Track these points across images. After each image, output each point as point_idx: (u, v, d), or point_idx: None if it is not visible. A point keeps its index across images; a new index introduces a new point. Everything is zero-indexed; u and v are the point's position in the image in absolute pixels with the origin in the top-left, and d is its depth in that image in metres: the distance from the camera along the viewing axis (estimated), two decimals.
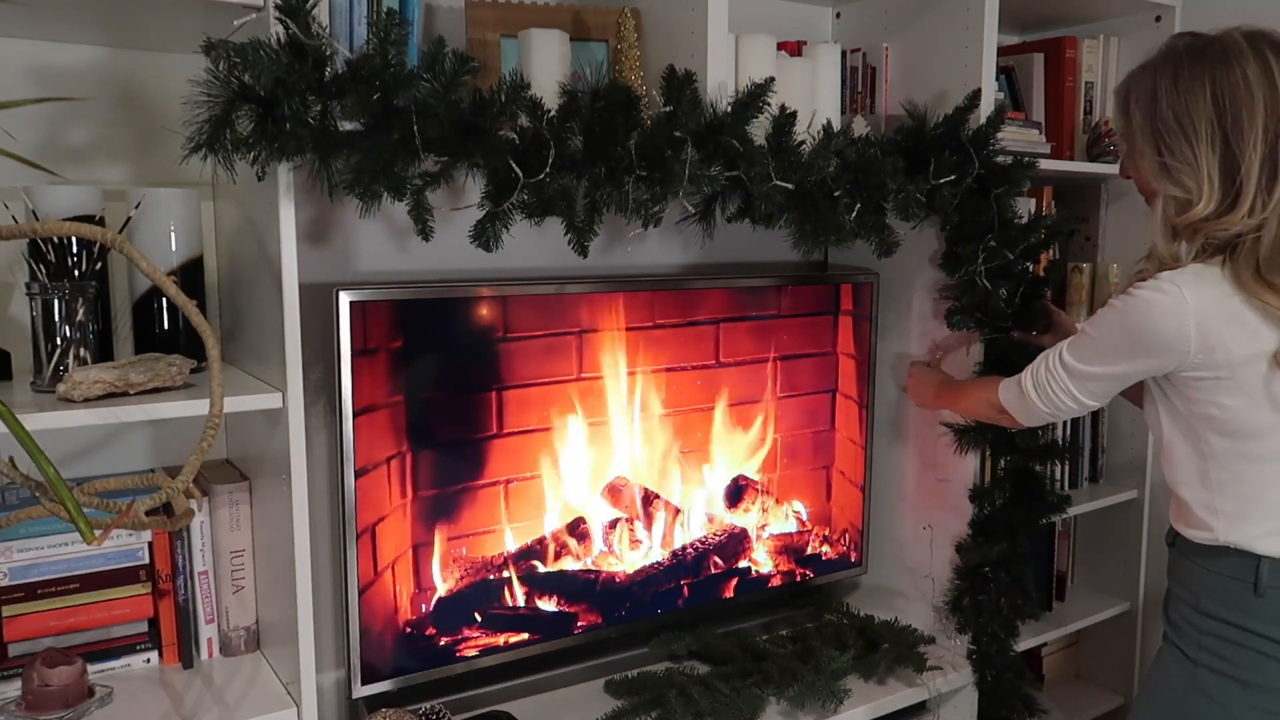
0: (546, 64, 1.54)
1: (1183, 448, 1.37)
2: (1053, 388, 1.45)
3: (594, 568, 1.91)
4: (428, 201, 1.37)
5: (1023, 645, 2.05)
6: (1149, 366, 1.34)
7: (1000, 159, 1.81)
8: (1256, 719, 1.31)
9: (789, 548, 2.13)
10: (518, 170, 1.40)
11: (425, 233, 1.38)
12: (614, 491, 1.96)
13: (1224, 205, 1.27)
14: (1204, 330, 1.27)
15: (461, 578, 1.78)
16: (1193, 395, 1.32)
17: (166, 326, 1.50)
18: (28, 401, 1.29)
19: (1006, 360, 1.87)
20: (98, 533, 1.01)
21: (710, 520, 2.07)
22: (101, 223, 1.44)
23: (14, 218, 1.40)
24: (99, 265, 1.41)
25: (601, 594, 1.89)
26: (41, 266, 1.37)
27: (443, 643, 1.75)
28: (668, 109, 1.51)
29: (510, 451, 1.81)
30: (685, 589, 1.98)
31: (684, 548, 2.00)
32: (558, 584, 1.86)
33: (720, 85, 1.61)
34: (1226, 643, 1.33)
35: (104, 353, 1.45)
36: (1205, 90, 1.27)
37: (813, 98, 1.78)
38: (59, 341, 1.34)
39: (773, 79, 1.58)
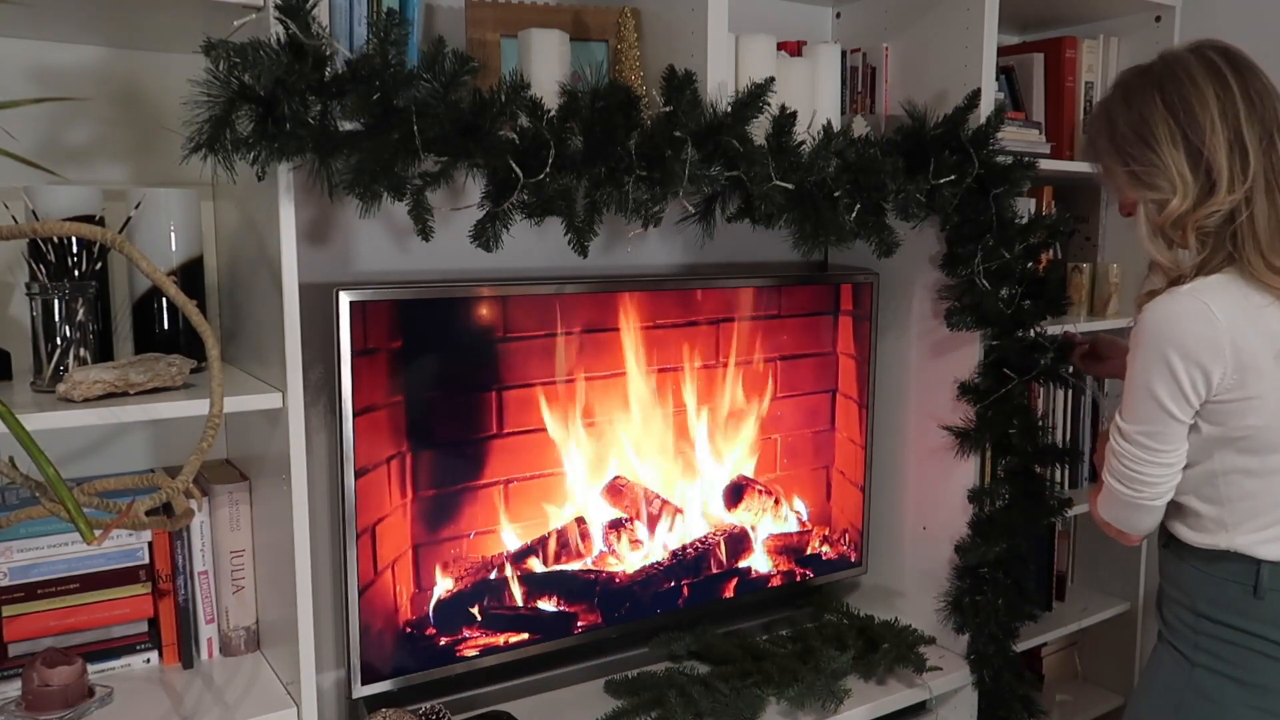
0: (546, 64, 1.54)
1: (1194, 464, 1.35)
2: (1130, 467, 1.35)
3: (594, 568, 1.91)
4: (428, 201, 1.37)
5: (1023, 645, 2.05)
6: (1199, 386, 1.27)
7: (1000, 159, 1.81)
8: (1251, 717, 1.32)
9: (789, 548, 2.13)
10: (518, 170, 1.40)
11: (425, 233, 1.38)
12: (614, 491, 1.96)
13: (1201, 194, 1.28)
14: (1237, 347, 1.25)
15: (461, 578, 1.78)
16: (1218, 419, 1.30)
17: (166, 326, 1.50)
18: (28, 401, 1.29)
19: (1006, 362, 1.87)
20: (98, 533, 1.01)
21: (710, 520, 2.07)
22: (101, 223, 1.44)
23: (14, 218, 1.40)
24: (99, 265, 1.41)
25: (601, 594, 1.89)
26: (41, 266, 1.37)
27: (443, 643, 1.75)
28: (668, 109, 1.51)
29: (510, 451, 1.81)
30: (685, 589, 1.98)
31: (684, 548, 2.00)
32: (557, 584, 1.86)
33: (720, 85, 1.61)
34: (1225, 643, 1.34)
35: (104, 353, 1.45)
36: (1155, 98, 1.31)
37: (813, 98, 1.78)
38: (59, 341, 1.34)
39: (773, 79, 1.58)
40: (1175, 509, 1.41)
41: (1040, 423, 1.93)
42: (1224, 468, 1.33)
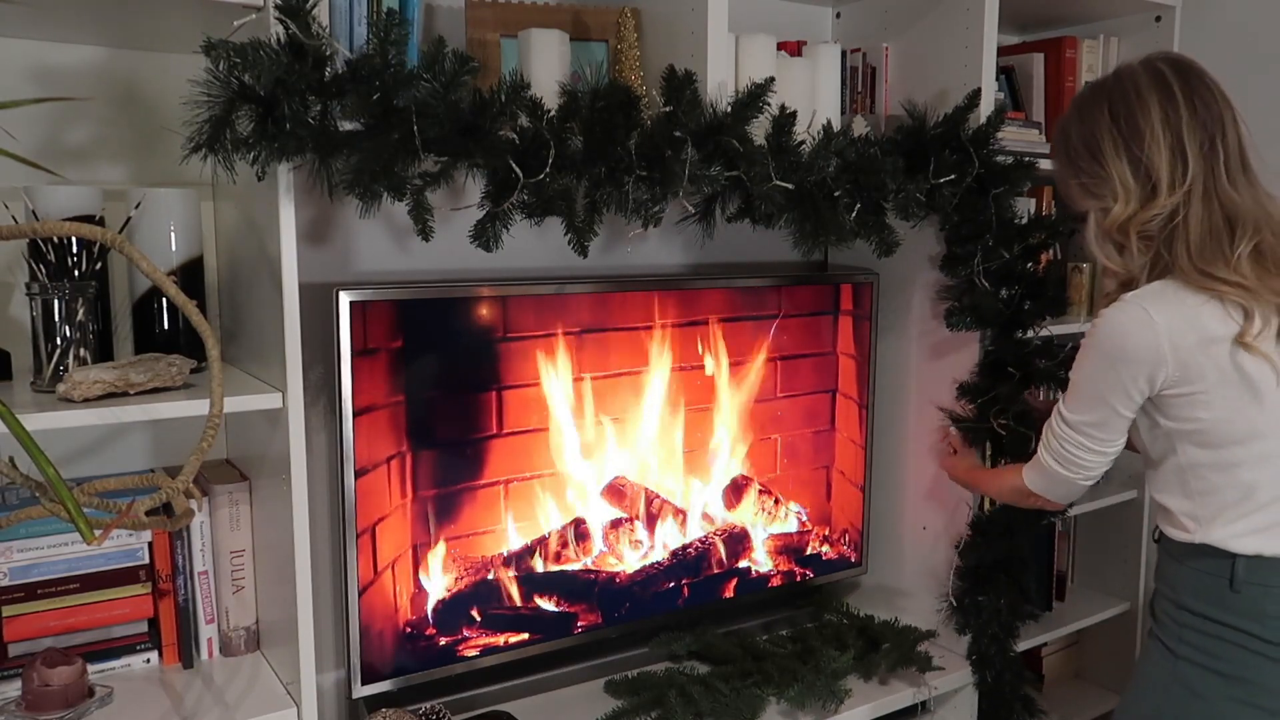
0: (546, 64, 1.54)
1: (1163, 459, 1.40)
2: (1070, 451, 1.44)
3: (594, 567, 1.91)
4: (428, 201, 1.37)
5: (1023, 645, 2.05)
6: (1142, 386, 1.34)
7: (1000, 159, 1.82)
8: (1234, 709, 1.34)
9: (789, 547, 2.13)
10: (518, 170, 1.40)
11: (425, 233, 1.38)
12: (614, 491, 1.96)
13: (1143, 198, 1.35)
14: (1176, 346, 1.31)
15: (461, 577, 1.78)
16: (1171, 412, 1.35)
17: (166, 326, 1.50)
18: (28, 401, 1.29)
19: (1004, 363, 1.87)
20: (98, 533, 1.01)
21: (710, 520, 2.07)
22: (101, 223, 1.44)
23: (14, 218, 1.40)
24: (99, 265, 1.41)
25: (601, 594, 1.89)
26: (41, 266, 1.37)
27: (443, 643, 1.75)
28: (668, 109, 1.51)
29: (510, 451, 1.81)
30: (685, 589, 1.98)
31: (684, 547, 1.99)
32: (558, 584, 1.86)
33: (720, 85, 1.61)
34: (1205, 636, 1.36)
35: (104, 353, 1.45)
36: (1103, 110, 1.39)
37: (813, 98, 1.78)
38: (59, 341, 1.34)
39: (773, 79, 1.58)
40: (1159, 508, 1.45)
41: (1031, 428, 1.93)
42: (1189, 461, 1.37)
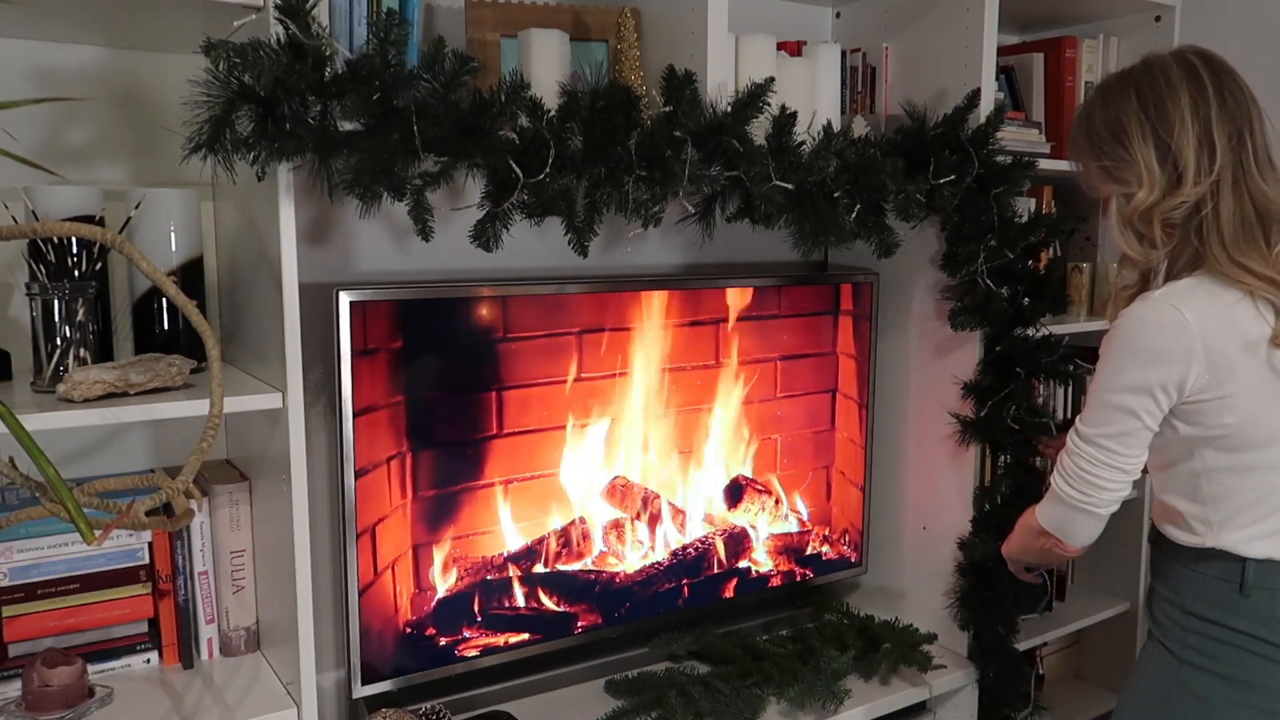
0: (546, 64, 1.54)
1: (1176, 463, 1.37)
2: (1084, 468, 1.35)
3: (594, 568, 1.91)
4: (428, 201, 1.37)
5: (1023, 645, 2.05)
6: (1171, 391, 1.29)
7: (1000, 159, 1.82)
8: (1241, 715, 1.33)
9: (789, 548, 2.13)
10: (518, 170, 1.40)
11: (425, 233, 1.38)
12: (614, 491, 1.96)
13: (1168, 187, 1.32)
14: (1209, 346, 1.27)
15: (461, 578, 1.78)
16: (1195, 419, 1.32)
17: (166, 326, 1.50)
18: (28, 401, 1.29)
19: (1009, 360, 1.87)
20: (98, 533, 1.01)
21: (710, 520, 2.07)
22: (101, 223, 1.44)
23: (14, 218, 1.40)
24: (99, 265, 1.41)
25: (601, 594, 1.89)
26: (41, 266, 1.37)
27: (443, 643, 1.75)
28: (668, 109, 1.51)
29: (510, 452, 1.81)
30: (685, 589, 1.98)
31: (684, 548, 1.99)
32: (558, 584, 1.86)
33: (720, 85, 1.61)
34: (1212, 641, 1.35)
35: (104, 353, 1.45)
36: (1131, 96, 1.35)
37: (813, 98, 1.78)
38: (59, 342, 1.34)
39: (773, 79, 1.58)
40: (1162, 509, 1.43)
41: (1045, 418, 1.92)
42: (1205, 466, 1.34)
